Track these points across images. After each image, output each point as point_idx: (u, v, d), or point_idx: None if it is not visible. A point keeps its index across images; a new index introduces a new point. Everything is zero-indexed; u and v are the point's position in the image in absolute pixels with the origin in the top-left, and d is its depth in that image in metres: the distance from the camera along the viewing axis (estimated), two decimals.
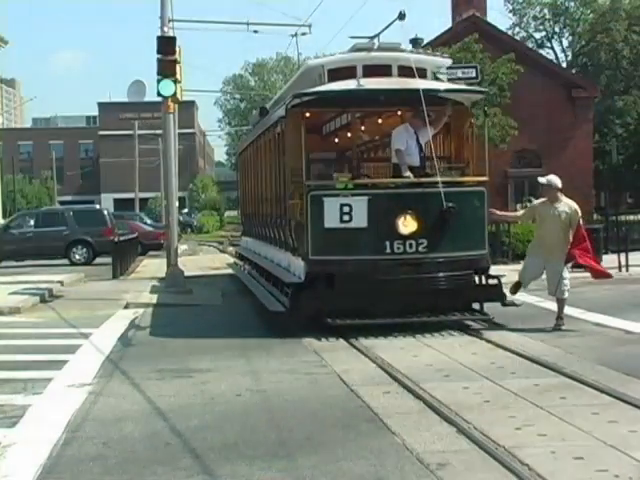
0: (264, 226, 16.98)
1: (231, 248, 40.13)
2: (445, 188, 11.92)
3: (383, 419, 7.35)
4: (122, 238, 26.28)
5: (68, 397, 8.63)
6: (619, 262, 19.60)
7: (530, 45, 52.21)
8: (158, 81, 17.99)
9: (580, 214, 12.25)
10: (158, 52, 17.93)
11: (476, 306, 12.64)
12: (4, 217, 42.22)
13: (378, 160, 16.91)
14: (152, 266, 26.74)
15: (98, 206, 38.34)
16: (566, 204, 12.18)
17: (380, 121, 15.06)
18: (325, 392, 8.53)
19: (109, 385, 9.22)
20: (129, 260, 26.77)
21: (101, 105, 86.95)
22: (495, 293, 12.47)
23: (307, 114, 12.95)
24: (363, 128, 15.46)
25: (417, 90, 11.99)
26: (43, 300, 17.63)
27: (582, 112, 36.85)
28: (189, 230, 62.45)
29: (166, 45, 18.07)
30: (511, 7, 55.38)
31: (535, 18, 56.29)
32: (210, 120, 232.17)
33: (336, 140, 17.17)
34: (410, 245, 11.87)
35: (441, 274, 12.08)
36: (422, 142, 12.92)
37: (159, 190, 50.34)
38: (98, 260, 28.70)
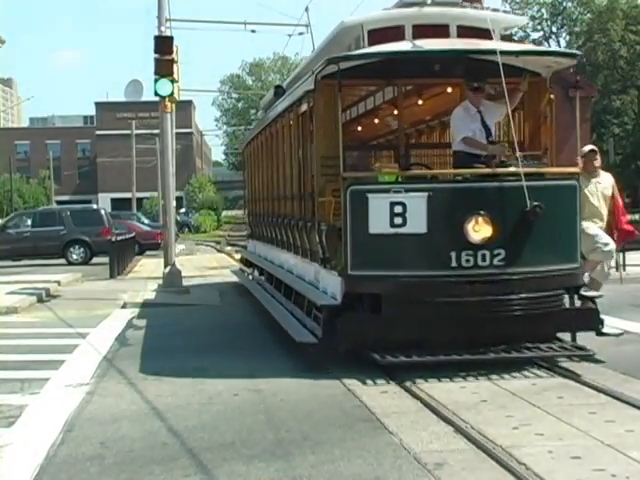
0: (280, 229, 13.85)
1: (229, 248, 40.20)
2: (528, 182, 9.21)
3: (380, 419, 7.34)
4: (119, 238, 26.30)
5: (65, 397, 8.62)
6: (616, 262, 19.57)
7: None
8: (155, 81, 17.98)
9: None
10: (155, 52, 17.93)
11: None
12: (1, 217, 42.25)
13: (433, 147, 13.62)
14: (149, 266, 26.75)
15: (95, 206, 38.32)
16: (603, 174, 11.40)
17: (436, 96, 12.20)
18: (323, 392, 8.52)
19: (106, 385, 9.21)
20: (126, 260, 26.76)
21: (98, 105, 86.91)
22: (590, 319, 9.67)
23: (343, 86, 9.97)
24: (416, 104, 12.49)
25: (493, 51, 9.28)
26: (40, 300, 17.61)
27: (580, 112, 36.83)
28: (186, 230, 62.45)
29: (163, 45, 18.07)
30: (509, 7, 55.51)
31: (533, 18, 56.42)
32: (207, 120, 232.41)
33: (376, 121, 14.18)
34: (483, 257, 9.13)
35: (523, 295, 9.22)
36: (490, 124, 10.17)
37: (156, 190, 50.31)
38: (95, 260, 28.71)
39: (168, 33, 19.34)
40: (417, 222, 9.10)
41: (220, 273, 24.50)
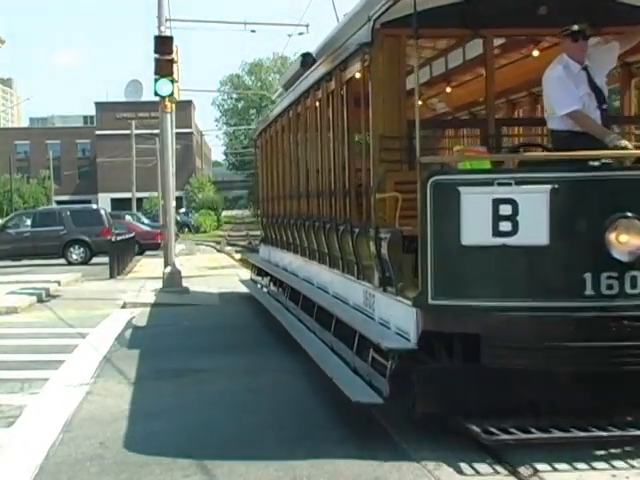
0: (309, 234, 11.00)
1: (229, 248, 40.19)
2: None
3: (381, 418, 7.33)
4: (119, 238, 26.32)
5: (65, 397, 8.61)
6: None
7: None
8: (155, 80, 18.00)
9: None
10: (155, 51, 17.95)
11: None
12: (1, 217, 42.24)
13: (535, 122, 10.20)
14: (149, 266, 26.74)
15: (95, 206, 38.32)
16: None
17: (541, 52, 9.14)
18: (323, 391, 8.51)
19: (106, 385, 9.20)
20: (126, 260, 26.77)
21: (98, 105, 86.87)
22: None
23: (410, 40, 7.53)
24: (512, 65, 9.75)
25: None
26: (40, 300, 17.62)
27: None
28: (186, 230, 62.45)
29: (163, 45, 18.09)
30: None
31: None
32: (207, 120, 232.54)
33: (448, 89, 11.41)
34: (633, 281, 6.21)
35: None
36: (601, 83, 7.21)
37: (156, 190, 50.31)
38: (95, 260, 28.69)
39: (168, 33, 19.38)
40: (534, 229, 6.24)
41: (220, 273, 24.47)
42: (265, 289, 15.68)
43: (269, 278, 15.31)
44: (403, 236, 7.04)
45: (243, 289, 17.46)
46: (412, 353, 6.58)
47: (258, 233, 48.51)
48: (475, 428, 6.08)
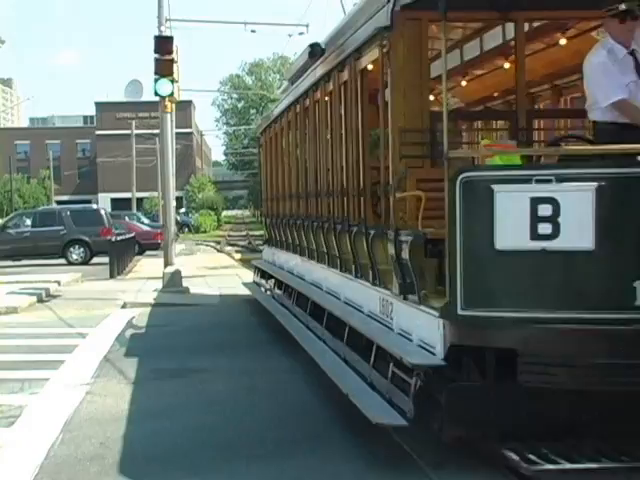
0: (318, 236, 10.47)
1: (229, 248, 40.19)
2: None
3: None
4: (119, 238, 26.33)
5: (65, 397, 8.61)
6: None
7: None
8: (155, 80, 18.01)
9: None
10: (155, 52, 17.97)
11: None
12: (1, 217, 42.24)
13: (570, 114, 9.70)
14: (149, 266, 26.73)
15: (95, 206, 38.33)
16: None
17: (576, 38, 8.53)
18: (323, 391, 8.52)
19: (106, 385, 9.20)
20: (126, 260, 26.78)
21: (98, 105, 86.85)
22: None
23: (434, 23, 7.22)
24: (545, 51, 9.11)
25: None
26: (40, 300, 17.61)
27: None
28: (186, 230, 62.45)
29: (163, 44, 18.10)
30: None
31: None
32: (207, 120, 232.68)
33: (480, 77, 10.81)
34: None
35: None
36: None
37: (156, 190, 50.32)
38: (95, 260, 28.70)
39: (168, 33, 19.39)
40: (578, 232, 5.54)
41: (220, 273, 24.46)
42: (269, 292, 15.07)
43: (273, 281, 14.72)
44: (426, 239, 6.46)
45: (243, 291, 17.39)
46: (439, 370, 5.92)
47: (258, 233, 48.62)
48: (513, 456, 5.32)
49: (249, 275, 22.70)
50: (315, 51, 10.59)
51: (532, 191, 5.56)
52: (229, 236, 53.98)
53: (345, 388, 7.13)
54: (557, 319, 5.49)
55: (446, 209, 5.69)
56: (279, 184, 14.24)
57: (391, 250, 6.89)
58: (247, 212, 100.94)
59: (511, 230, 5.60)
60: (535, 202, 5.54)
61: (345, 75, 8.73)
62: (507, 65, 8.76)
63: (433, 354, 6.01)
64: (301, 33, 29.26)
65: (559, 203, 5.52)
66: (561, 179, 5.57)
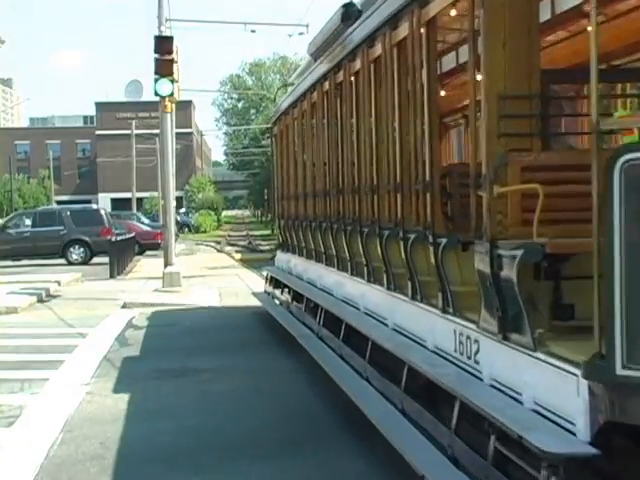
0: (353, 241, 8.48)
1: (229, 248, 40.17)
2: None
3: None
4: (119, 238, 26.32)
5: (65, 397, 8.61)
6: None
7: None
8: (155, 80, 18.00)
9: None
10: (155, 51, 17.96)
11: None
12: (1, 217, 42.23)
13: None
14: (149, 266, 26.72)
15: (95, 206, 38.31)
16: None
17: None
18: (325, 392, 8.51)
19: (106, 385, 9.19)
20: (126, 260, 26.76)
21: (98, 105, 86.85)
22: None
23: None
24: None
25: None
26: (40, 300, 17.60)
27: None
28: (186, 230, 62.44)
29: (163, 44, 18.09)
30: None
31: None
32: (207, 120, 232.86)
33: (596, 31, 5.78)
34: None
35: None
36: None
37: (156, 190, 50.30)
38: (95, 260, 28.69)
39: (168, 33, 19.38)
40: None
41: (220, 273, 24.45)
42: (281, 303, 12.96)
43: (289, 292, 12.48)
44: (543, 252, 4.46)
45: (249, 302, 16.33)
46: (587, 461, 3.87)
47: (258, 233, 48.39)
48: None
49: (249, 275, 22.69)
50: (350, 12, 8.51)
51: None
52: (229, 236, 53.97)
53: (419, 464, 5.04)
54: None
55: (594, 210, 3.79)
56: (299, 179, 11.97)
57: (481, 266, 5.05)
58: (247, 212, 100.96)
59: None
60: None
61: (401, 32, 6.49)
62: None
63: (571, 432, 4.01)
64: (301, 33, 29.25)
65: None
66: None
